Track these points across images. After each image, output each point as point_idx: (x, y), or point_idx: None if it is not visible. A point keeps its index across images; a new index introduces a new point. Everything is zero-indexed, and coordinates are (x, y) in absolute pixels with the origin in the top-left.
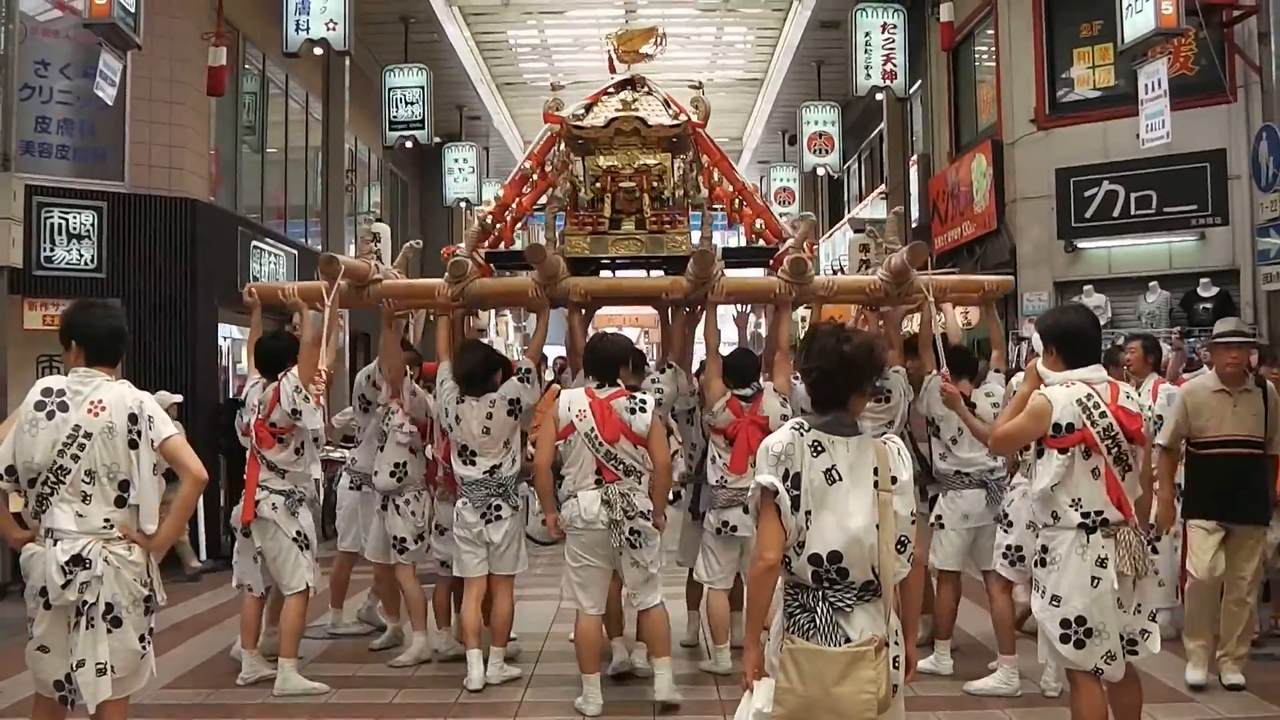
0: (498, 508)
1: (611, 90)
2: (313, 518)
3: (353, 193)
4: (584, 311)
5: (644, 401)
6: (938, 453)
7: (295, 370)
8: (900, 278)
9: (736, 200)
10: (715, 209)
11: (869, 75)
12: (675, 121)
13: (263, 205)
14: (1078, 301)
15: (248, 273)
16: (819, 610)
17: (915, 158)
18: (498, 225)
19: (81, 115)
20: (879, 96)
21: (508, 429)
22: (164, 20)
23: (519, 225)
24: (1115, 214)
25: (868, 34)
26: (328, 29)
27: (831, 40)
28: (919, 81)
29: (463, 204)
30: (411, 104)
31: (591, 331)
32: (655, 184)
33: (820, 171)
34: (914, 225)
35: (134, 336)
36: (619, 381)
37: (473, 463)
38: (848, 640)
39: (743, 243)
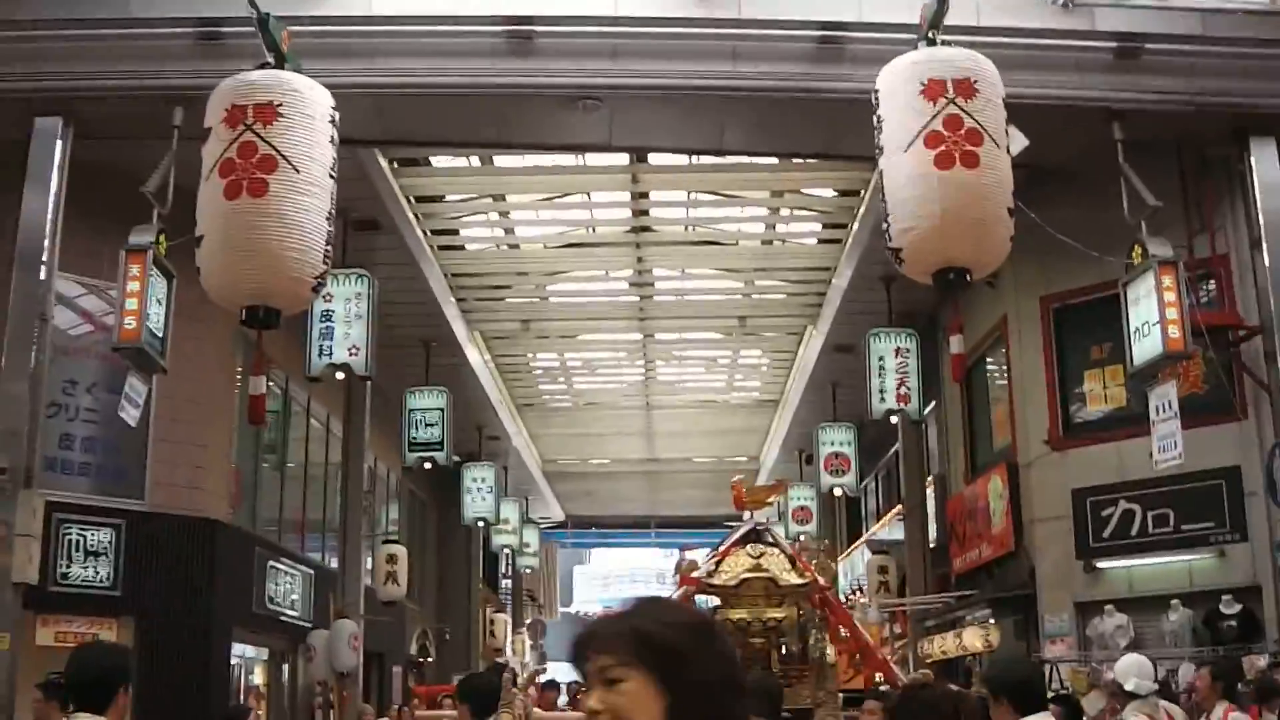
0: None
1: (739, 542)
2: None
3: (371, 511)
4: None
5: None
6: None
7: None
8: None
9: (856, 655)
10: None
11: (883, 399)
12: (802, 581)
13: (281, 521)
14: (1021, 656)
15: (264, 592)
16: None
17: (932, 478)
18: None
19: (105, 433)
20: (894, 419)
21: None
22: (190, 343)
23: None
24: (1133, 533)
25: (881, 358)
26: (350, 354)
27: (846, 363)
28: (933, 403)
29: (479, 523)
30: (431, 425)
31: None
32: (782, 638)
33: (837, 491)
34: (932, 546)
35: (147, 655)
36: None
37: None
38: None
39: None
